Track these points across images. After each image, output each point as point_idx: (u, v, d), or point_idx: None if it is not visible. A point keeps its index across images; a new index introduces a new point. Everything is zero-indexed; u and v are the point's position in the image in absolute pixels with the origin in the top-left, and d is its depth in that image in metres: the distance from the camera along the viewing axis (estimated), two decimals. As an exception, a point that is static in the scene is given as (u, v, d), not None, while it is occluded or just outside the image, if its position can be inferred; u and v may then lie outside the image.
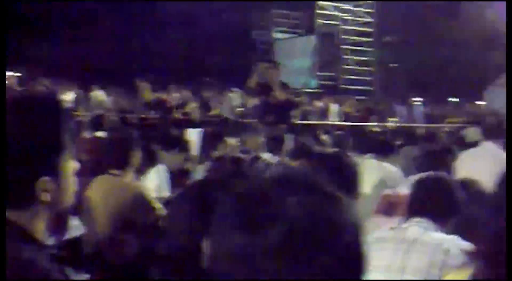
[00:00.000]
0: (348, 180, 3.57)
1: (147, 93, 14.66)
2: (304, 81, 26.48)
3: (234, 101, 17.16)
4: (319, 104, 19.93)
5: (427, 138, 8.47)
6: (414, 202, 3.36)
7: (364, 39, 28.08)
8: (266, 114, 9.79)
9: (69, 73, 18.39)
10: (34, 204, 1.65)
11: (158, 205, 4.39)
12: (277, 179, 1.22)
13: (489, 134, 5.74)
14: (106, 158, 4.63)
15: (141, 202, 4.34)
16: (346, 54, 27.83)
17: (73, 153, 1.77)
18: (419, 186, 3.44)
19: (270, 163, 6.04)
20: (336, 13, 28.01)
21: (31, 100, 1.72)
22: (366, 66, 27.98)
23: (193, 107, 15.84)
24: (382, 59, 28.30)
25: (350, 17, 28.11)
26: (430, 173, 3.78)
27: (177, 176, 6.03)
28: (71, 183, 1.77)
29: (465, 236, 2.96)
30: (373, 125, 14.44)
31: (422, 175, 3.79)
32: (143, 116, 14.35)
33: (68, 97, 15.69)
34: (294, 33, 29.92)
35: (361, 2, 28.10)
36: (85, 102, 17.60)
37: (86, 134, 8.40)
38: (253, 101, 13.84)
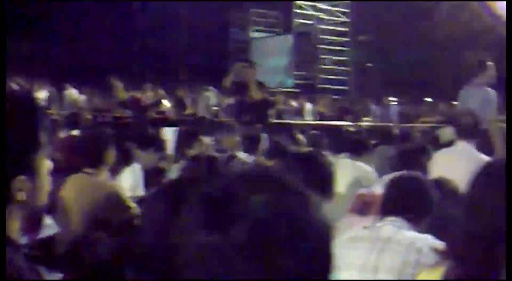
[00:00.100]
0: (322, 179, 3.59)
1: (121, 91, 14.59)
2: (280, 81, 26.52)
3: (210, 100, 17.15)
4: (293, 103, 19.96)
5: (401, 138, 8.51)
6: (388, 201, 3.37)
7: (340, 38, 28.16)
8: (242, 113, 9.79)
9: (42, 71, 18.26)
10: (9, 203, 1.64)
11: (132, 204, 4.37)
12: (243, 177, 1.22)
13: (464, 134, 5.77)
14: (80, 157, 4.61)
15: (115, 201, 4.32)
16: (323, 54, 27.90)
17: (48, 152, 1.76)
18: (393, 185, 3.45)
19: (245, 162, 6.04)
20: (313, 12, 28.06)
21: (6, 98, 1.70)
22: (342, 66, 28.07)
23: (167, 106, 15.80)
24: (358, 59, 28.42)
25: (326, 17, 28.18)
26: (404, 172, 3.80)
27: (152, 175, 6.01)
28: (45, 182, 1.76)
29: (438, 235, 2.97)
30: (348, 124, 14.47)
31: (396, 174, 3.82)
32: (117, 115, 14.28)
33: (42, 95, 15.59)
34: (271, 32, 29.95)
35: (337, 2, 28.18)
36: (58, 100, 17.50)
37: (61, 133, 8.35)
38: (229, 100, 13.84)
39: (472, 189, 2.16)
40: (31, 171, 1.67)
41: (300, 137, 7.96)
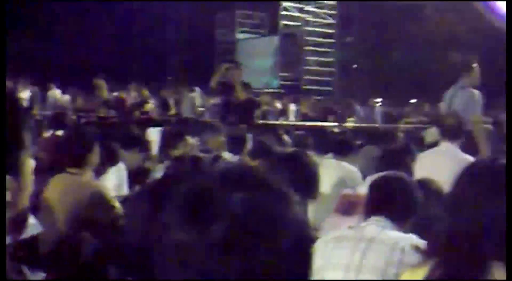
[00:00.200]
0: (307, 179, 3.60)
1: (105, 92, 14.56)
2: (266, 81, 26.55)
3: (196, 100, 17.14)
4: (277, 104, 19.99)
5: (386, 138, 8.53)
6: (373, 201, 3.38)
7: (326, 40, 28.23)
8: (228, 114, 9.80)
9: (25, 71, 18.17)
10: None
11: (116, 204, 4.36)
12: (223, 176, 1.22)
13: (448, 134, 5.80)
14: (64, 157, 4.59)
15: (99, 200, 4.31)
16: (308, 55, 27.96)
17: (32, 152, 1.75)
18: (377, 185, 3.47)
19: (230, 163, 6.04)
20: (298, 14, 28.11)
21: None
22: (327, 67, 28.15)
23: (152, 107, 15.78)
24: (343, 60, 28.50)
25: (312, 19, 28.24)
26: (389, 172, 3.81)
27: (137, 175, 5.99)
28: (29, 182, 1.75)
29: (422, 235, 2.98)
30: (333, 125, 14.50)
31: (381, 174, 3.82)
32: (102, 115, 14.24)
33: (24, 95, 15.50)
34: (257, 33, 29.98)
35: (323, 3, 28.23)
36: (42, 100, 17.42)
37: (46, 133, 8.31)
38: (214, 101, 13.83)
39: (456, 189, 2.17)
40: (15, 171, 1.66)
41: (285, 137, 7.97)
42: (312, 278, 1.27)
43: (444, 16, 27.30)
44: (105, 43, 25.85)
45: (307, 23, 28.08)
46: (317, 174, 3.77)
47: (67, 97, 18.26)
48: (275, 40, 28.41)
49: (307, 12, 28.09)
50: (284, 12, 28.04)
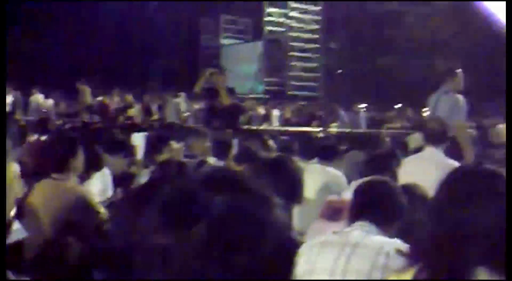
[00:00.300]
0: (291, 184, 3.60)
1: (88, 97, 14.51)
2: (251, 87, 26.58)
3: (180, 106, 17.10)
4: (260, 109, 20.01)
5: (371, 143, 8.55)
6: (357, 206, 3.39)
7: (310, 45, 28.30)
8: (213, 119, 9.81)
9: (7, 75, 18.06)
10: None
11: (101, 209, 4.35)
12: (204, 180, 1.23)
13: (432, 140, 5.82)
14: (48, 162, 4.57)
15: (83, 206, 4.30)
16: (293, 61, 28.01)
17: (17, 157, 1.75)
18: (362, 190, 3.47)
19: (215, 168, 6.03)
20: (283, 19, 28.16)
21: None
22: (312, 72, 28.21)
23: (135, 111, 15.75)
24: (328, 66, 28.57)
25: (297, 24, 28.30)
26: (373, 177, 3.82)
27: (122, 180, 5.98)
28: (14, 187, 1.74)
29: (407, 240, 2.99)
30: (318, 130, 14.51)
31: (365, 179, 3.83)
32: (86, 120, 14.20)
33: (7, 100, 15.40)
34: (242, 39, 30.01)
35: (308, 9, 28.29)
36: (24, 106, 17.33)
37: (30, 138, 8.27)
38: (198, 106, 13.82)
39: (440, 194, 2.18)
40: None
41: (270, 142, 7.97)
42: None
43: (428, 22, 27.45)
44: (89, 48, 25.74)
45: (291, 28, 28.16)
46: (302, 179, 3.78)
47: (50, 102, 18.16)
48: (259, 45, 28.46)
49: (292, 17, 28.17)
50: (268, 18, 28.10)
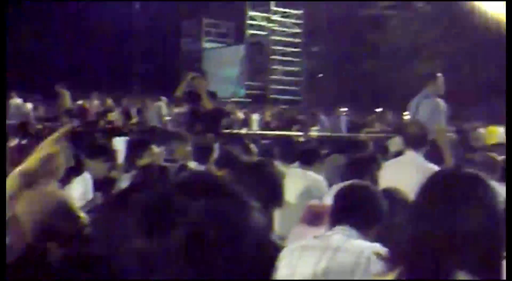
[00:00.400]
0: (272, 188, 3.60)
1: (67, 100, 14.46)
2: (232, 91, 26.56)
3: (162, 109, 17.08)
4: (239, 113, 20.02)
5: (352, 147, 8.57)
6: (338, 211, 3.39)
7: (292, 49, 28.34)
8: (194, 123, 9.79)
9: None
10: None
11: (81, 214, 4.32)
12: (182, 184, 1.23)
13: (412, 144, 5.83)
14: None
15: (64, 210, 4.27)
16: (275, 64, 28.04)
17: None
18: (342, 194, 3.48)
19: (196, 172, 6.02)
20: (265, 23, 28.19)
21: None
22: (294, 76, 28.25)
23: (115, 115, 15.71)
24: (310, 69, 28.63)
25: (279, 28, 28.34)
26: (354, 181, 3.83)
27: (103, 185, 5.96)
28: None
29: (387, 244, 3.00)
30: (298, 134, 14.54)
31: (346, 183, 3.84)
32: (65, 124, 14.12)
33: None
34: (223, 42, 30.00)
35: (290, 13, 28.34)
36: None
37: (11, 142, 8.22)
38: (178, 110, 13.79)
39: (420, 198, 2.19)
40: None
41: (252, 147, 7.98)
42: None
43: (409, 26, 27.58)
44: (69, 51, 25.59)
45: (273, 32, 28.18)
46: (282, 183, 3.78)
47: (29, 106, 18.07)
48: (241, 49, 28.48)
49: (274, 21, 28.19)
50: (250, 21, 28.12)
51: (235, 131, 14.50)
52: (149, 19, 27.83)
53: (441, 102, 7.87)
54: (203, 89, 9.79)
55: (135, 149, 6.77)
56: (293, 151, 7.31)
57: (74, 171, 5.54)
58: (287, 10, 28.30)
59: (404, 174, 5.20)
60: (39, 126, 12.47)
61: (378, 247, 3.06)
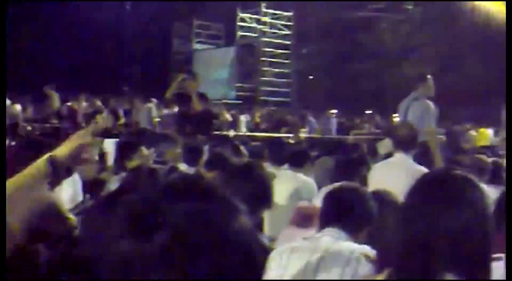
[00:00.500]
0: (261, 190, 3.61)
1: (56, 102, 14.42)
2: (223, 92, 26.56)
3: (152, 111, 17.06)
4: (227, 115, 20.00)
5: (341, 149, 8.58)
6: (327, 212, 3.39)
7: (282, 51, 28.35)
8: (185, 125, 9.77)
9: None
10: None
11: (70, 216, 4.31)
12: (168, 186, 1.23)
13: (401, 146, 5.84)
14: (16, 168, 4.52)
15: (53, 212, 4.26)
16: (265, 66, 28.04)
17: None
18: (331, 196, 3.48)
19: (186, 174, 6.01)
20: (255, 25, 28.20)
21: None
22: (284, 78, 28.25)
23: (105, 117, 15.67)
24: (300, 71, 28.65)
25: (269, 30, 28.35)
26: (343, 183, 3.83)
27: (92, 187, 5.94)
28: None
29: (376, 246, 3.01)
30: (288, 136, 14.55)
31: (335, 185, 3.85)
32: (54, 125, 14.10)
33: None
34: (214, 44, 30.00)
35: (280, 15, 28.36)
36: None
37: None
38: (166, 111, 13.76)
39: (410, 200, 2.19)
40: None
41: (242, 148, 7.97)
42: None
43: (399, 28, 27.66)
44: (58, 52, 25.49)
45: (264, 34, 28.19)
46: (271, 184, 3.78)
47: (18, 107, 18.00)
48: (231, 51, 28.49)
49: (264, 23, 28.20)
50: (241, 23, 28.11)
51: (224, 132, 14.49)
52: (140, 21, 27.79)
53: (431, 104, 7.89)
54: (193, 91, 9.77)
55: (125, 151, 6.75)
56: (283, 153, 7.32)
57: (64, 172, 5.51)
58: (277, 12, 28.32)
59: (393, 176, 5.21)
60: (29, 128, 12.44)
61: (367, 249, 3.06)
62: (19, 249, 4.00)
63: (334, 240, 3.19)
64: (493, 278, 2.14)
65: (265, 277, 3.10)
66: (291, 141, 11.73)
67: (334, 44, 27.95)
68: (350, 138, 15.35)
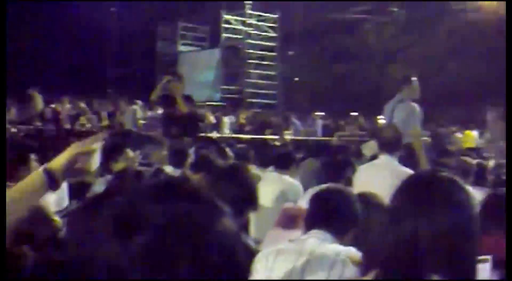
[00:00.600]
0: (246, 192, 3.60)
1: (39, 104, 14.35)
2: (208, 94, 26.53)
3: (137, 113, 17.03)
4: (210, 116, 19.97)
5: (327, 151, 8.60)
6: (313, 214, 3.40)
7: (268, 53, 28.35)
8: (170, 127, 9.74)
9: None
10: None
11: (56, 218, 4.29)
12: (152, 189, 1.23)
13: (386, 147, 5.85)
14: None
15: (38, 214, 4.24)
16: (251, 68, 28.03)
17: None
18: (317, 198, 3.48)
19: (171, 176, 6.01)
20: (241, 27, 28.18)
21: None
22: (269, 80, 28.25)
23: (88, 119, 15.63)
24: (285, 73, 28.65)
25: (254, 32, 28.34)
26: (329, 185, 3.84)
27: (78, 189, 5.92)
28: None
29: (362, 248, 3.01)
30: (273, 138, 14.56)
31: (321, 187, 3.85)
32: (39, 127, 14.04)
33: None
34: (199, 46, 29.96)
35: (265, 17, 28.36)
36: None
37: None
38: (151, 113, 13.73)
39: (395, 201, 2.20)
40: None
41: (227, 150, 7.97)
42: None
43: (384, 31, 27.74)
44: (43, 54, 25.39)
45: (249, 36, 28.18)
46: (257, 186, 3.78)
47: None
48: (217, 52, 28.45)
49: (249, 25, 28.18)
50: (226, 25, 28.08)
51: (211, 135, 14.48)
52: (125, 23, 27.71)
53: (416, 106, 7.91)
54: (178, 93, 9.74)
55: (111, 153, 6.74)
56: (268, 155, 7.32)
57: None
58: (262, 14, 28.31)
59: (378, 177, 5.22)
60: (13, 130, 12.37)
61: (353, 251, 3.07)
62: (5, 251, 3.98)
63: (320, 242, 3.19)
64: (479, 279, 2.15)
65: (251, 279, 3.10)
66: (277, 143, 11.73)
67: (319, 46, 27.99)
68: (335, 140, 15.37)
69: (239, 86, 27.99)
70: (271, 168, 6.48)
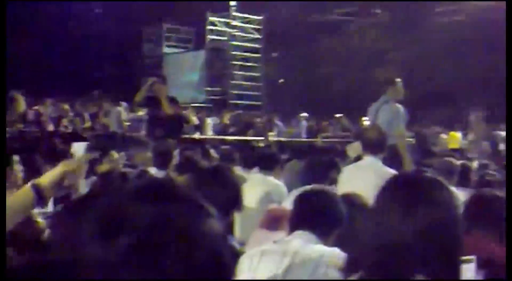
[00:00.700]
0: (231, 193, 3.60)
1: (21, 106, 14.29)
2: (193, 96, 26.50)
3: (122, 114, 16.98)
4: (193, 118, 19.93)
5: (311, 152, 8.61)
6: (297, 215, 3.40)
7: (252, 55, 28.35)
8: (154, 128, 9.73)
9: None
10: None
11: (39, 220, 4.28)
12: (135, 190, 1.22)
13: (371, 148, 5.86)
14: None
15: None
16: (235, 70, 28.02)
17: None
18: (301, 199, 3.49)
19: (150, 177, 5.99)
20: (225, 29, 28.17)
21: None
22: (254, 82, 28.25)
23: (71, 120, 15.58)
24: (270, 75, 28.66)
25: (239, 33, 28.33)
26: (313, 186, 3.84)
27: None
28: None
29: (346, 249, 3.02)
30: (257, 139, 14.57)
31: (305, 188, 3.85)
32: (22, 128, 13.98)
33: None
34: (184, 48, 29.92)
35: (250, 18, 28.36)
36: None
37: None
38: (139, 115, 13.70)
39: (379, 202, 2.20)
40: None
41: (212, 152, 7.97)
42: None
43: (368, 32, 27.82)
44: (26, 55, 25.24)
45: (234, 37, 28.17)
46: (241, 187, 3.78)
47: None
48: (201, 54, 28.41)
49: (234, 27, 28.17)
50: (211, 27, 28.06)
51: (196, 136, 14.47)
52: (110, 24, 27.62)
53: (401, 108, 7.93)
54: (163, 94, 9.73)
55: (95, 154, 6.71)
56: (252, 156, 7.32)
57: (32, 176, 5.47)
58: (247, 16, 28.31)
59: (363, 178, 5.23)
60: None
61: (337, 251, 3.07)
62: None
63: (304, 243, 3.20)
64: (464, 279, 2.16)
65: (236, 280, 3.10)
66: (261, 144, 11.74)
67: (303, 48, 28.01)
68: (319, 141, 15.40)
69: (224, 87, 27.97)
70: (255, 169, 6.48)
